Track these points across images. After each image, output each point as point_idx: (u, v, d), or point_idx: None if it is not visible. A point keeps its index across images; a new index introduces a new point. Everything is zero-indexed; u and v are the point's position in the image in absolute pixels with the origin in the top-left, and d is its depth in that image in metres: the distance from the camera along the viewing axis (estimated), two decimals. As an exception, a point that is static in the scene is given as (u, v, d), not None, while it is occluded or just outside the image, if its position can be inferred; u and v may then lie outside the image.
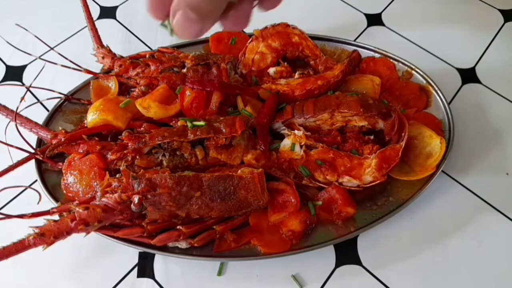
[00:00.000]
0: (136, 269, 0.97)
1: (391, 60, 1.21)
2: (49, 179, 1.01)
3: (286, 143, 1.02)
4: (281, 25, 1.19)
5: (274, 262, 0.95)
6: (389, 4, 1.48)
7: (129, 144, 0.96)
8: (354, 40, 1.33)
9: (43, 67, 1.11)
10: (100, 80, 1.16)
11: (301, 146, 1.01)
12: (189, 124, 0.97)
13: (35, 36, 1.19)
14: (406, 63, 1.19)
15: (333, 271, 0.96)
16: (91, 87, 1.15)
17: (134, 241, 0.92)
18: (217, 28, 0.63)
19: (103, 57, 1.17)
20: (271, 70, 1.16)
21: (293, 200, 0.95)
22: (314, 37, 1.22)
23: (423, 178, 1.01)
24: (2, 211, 1.04)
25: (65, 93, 1.14)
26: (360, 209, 0.98)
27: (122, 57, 1.16)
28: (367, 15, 1.44)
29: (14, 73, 1.32)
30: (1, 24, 1.43)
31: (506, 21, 1.42)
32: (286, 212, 0.95)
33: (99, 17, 1.46)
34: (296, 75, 1.14)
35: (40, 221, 0.84)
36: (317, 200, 0.98)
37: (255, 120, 1.04)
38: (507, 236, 1.01)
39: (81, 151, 0.99)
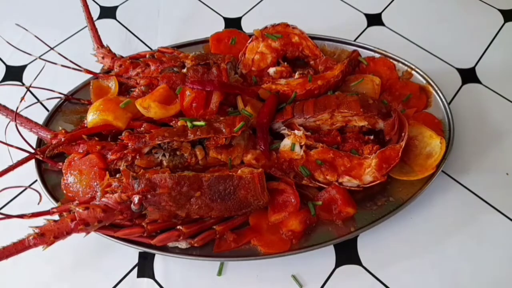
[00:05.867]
0: (136, 269, 0.97)
1: (391, 60, 1.21)
2: (49, 179, 1.02)
3: (286, 143, 1.02)
4: (281, 25, 1.19)
5: (274, 262, 0.95)
6: (389, 4, 1.48)
7: (129, 144, 0.96)
8: (354, 40, 1.33)
9: (43, 67, 1.11)
10: (100, 80, 1.16)
11: (301, 146, 1.01)
12: (189, 124, 0.97)
13: (35, 36, 1.19)
14: (406, 63, 1.19)
15: (333, 271, 0.96)
16: (91, 87, 1.15)
17: (134, 241, 0.92)
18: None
19: (103, 57, 1.17)
20: (271, 70, 1.16)
21: (293, 200, 0.95)
22: (314, 37, 1.22)
23: (423, 178, 1.01)
24: (2, 211, 1.04)
25: (65, 93, 1.14)
26: (360, 209, 0.98)
27: (122, 57, 1.17)
28: (367, 15, 1.44)
29: (14, 73, 1.32)
30: (1, 24, 1.43)
31: (506, 21, 1.42)
32: (286, 212, 0.95)
33: (99, 17, 1.46)
34: (296, 75, 1.14)
35: (40, 221, 0.84)
36: (317, 200, 0.98)
37: (255, 120, 1.04)
38: (507, 236, 1.01)
39: (81, 151, 0.99)
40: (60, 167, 1.00)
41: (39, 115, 1.09)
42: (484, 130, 1.17)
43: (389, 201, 0.99)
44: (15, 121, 1.01)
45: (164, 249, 0.93)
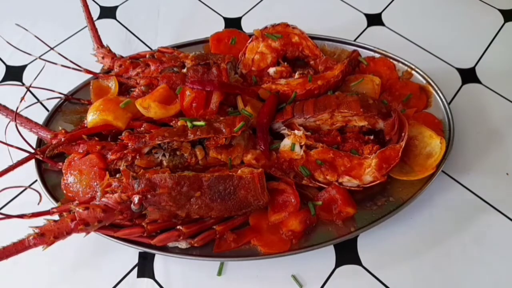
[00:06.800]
0: (136, 269, 0.97)
1: (391, 60, 1.21)
2: (49, 179, 1.02)
3: (286, 143, 1.02)
4: (281, 25, 1.19)
5: (274, 262, 0.95)
6: (389, 4, 1.48)
7: (129, 144, 0.96)
8: (354, 40, 1.33)
9: (43, 67, 1.11)
10: (100, 80, 1.16)
11: (301, 146, 1.01)
12: (189, 124, 0.97)
13: (35, 36, 1.19)
14: (406, 63, 1.19)
15: (333, 271, 0.96)
16: (91, 87, 1.15)
17: (134, 241, 0.92)
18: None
19: (103, 57, 1.17)
20: (271, 70, 1.16)
21: (293, 200, 0.95)
22: (314, 37, 1.22)
23: (423, 178, 1.01)
24: (2, 211, 1.04)
25: (65, 93, 1.14)
26: (360, 209, 0.98)
27: (122, 57, 1.17)
28: (367, 15, 1.44)
29: (14, 73, 1.32)
30: (1, 24, 1.43)
31: (506, 21, 1.42)
32: (286, 212, 0.95)
33: (99, 17, 1.46)
34: (296, 75, 1.14)
35: (40, 221, 0.84)
36: (317, 200, 0.98)
37: (255, 120, 1.04)
38: (507, 236, 1.01)
39: (81, 151, 0.99)
40: (60, 167, 1.00)
41: (39, 115, 1.09)
42: (484, 130, 1.17)
43: (389, 201, 0.99)
44: (15, 121, 1.01)
45: (164, 249, 0.93)
